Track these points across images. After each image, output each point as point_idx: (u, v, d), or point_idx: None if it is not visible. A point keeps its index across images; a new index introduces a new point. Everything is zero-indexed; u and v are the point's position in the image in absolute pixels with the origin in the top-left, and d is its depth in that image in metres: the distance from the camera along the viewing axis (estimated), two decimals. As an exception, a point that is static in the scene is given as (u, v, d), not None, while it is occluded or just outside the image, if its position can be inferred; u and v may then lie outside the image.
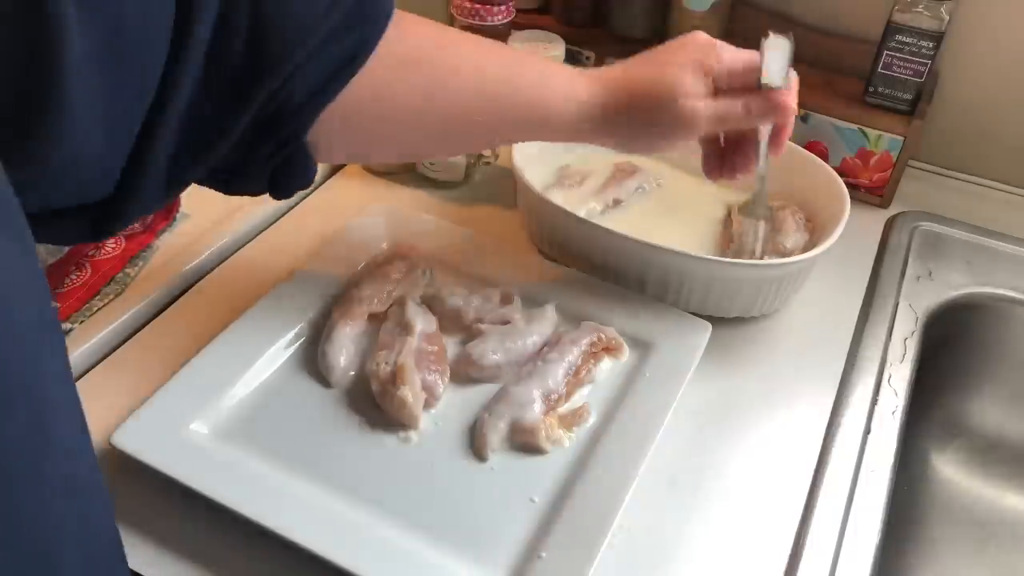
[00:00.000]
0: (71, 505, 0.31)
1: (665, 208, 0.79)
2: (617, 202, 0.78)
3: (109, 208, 0.40)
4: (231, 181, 0.44)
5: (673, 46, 0.57)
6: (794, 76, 0.59)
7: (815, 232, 0.73)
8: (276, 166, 0.44)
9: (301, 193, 0.83)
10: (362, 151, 0.51)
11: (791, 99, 0.58)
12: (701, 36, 0.57)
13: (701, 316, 0.66)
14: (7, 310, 0.26)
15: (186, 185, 0.42)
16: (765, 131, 0.60)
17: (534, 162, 0.75)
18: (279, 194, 0.47)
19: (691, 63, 0.55)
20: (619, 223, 0.68)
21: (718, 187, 0.80)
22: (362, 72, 0.44)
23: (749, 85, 0.57)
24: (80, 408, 0.33)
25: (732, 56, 0.57)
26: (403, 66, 0.47)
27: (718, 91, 0.56)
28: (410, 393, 0.58)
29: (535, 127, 0.55)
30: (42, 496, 0.29)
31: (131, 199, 0.39)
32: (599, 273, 0.70)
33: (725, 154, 0.63)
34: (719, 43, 0.57)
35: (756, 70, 0.57)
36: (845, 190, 0.70)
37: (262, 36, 0.39)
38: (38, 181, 0.34)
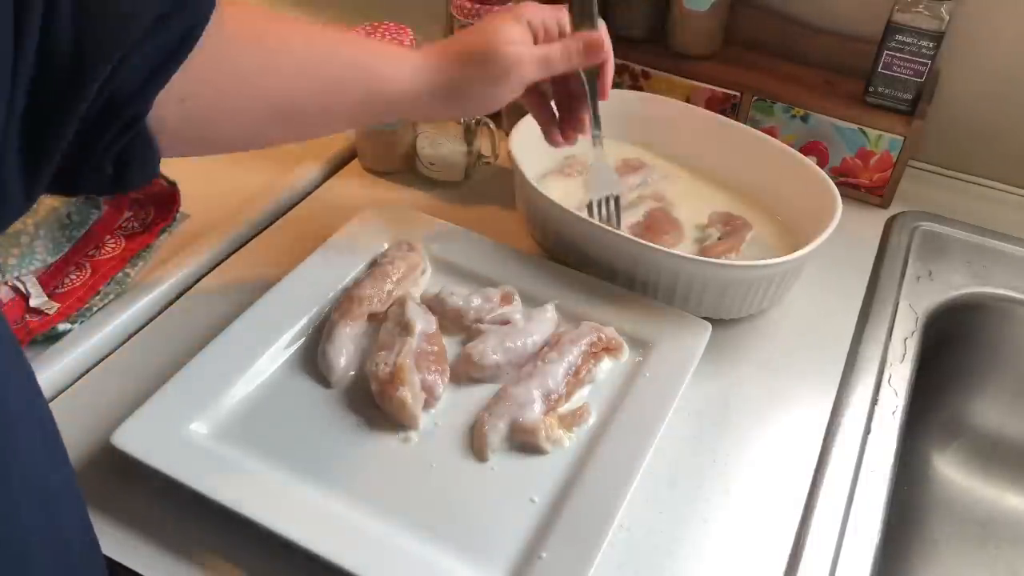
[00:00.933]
0: (41, 514, 0.31)
1: (665, 206, 0.78)
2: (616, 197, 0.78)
3: None
4: (76, 177, 0.43)
5: (494, 13, 0.63)
6: (602, 23, 0.64)
7: (806, 235, 0.73)
8: (118, 156, 0.44)
9: (301, 193, 0.83)
10: (205, 137, 0.50)
11: (604, 39, 0.63)
12: (523, 3, 0.62)
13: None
14: None
15: (40, 187, 0.41)
16: (587, 81, 0.64)
17: (536, 149, 0.75)
18: (124, 186, 0.46)
19: (512, 18, 0.59)
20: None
21: (723, 189, 0.80)
22: (194, 54, 0.43)
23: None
24: (48, 419, 0.33)
25: (544, 11, 0.61)
26: (234, 46, 0.48)
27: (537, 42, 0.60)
28: (410, 394, 0.58)
29: (374, 100, 0.57)
30: (10, 505, 0.29)
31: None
32: (589, 266, 0.70)
33: (560, 119, 0.66)
34: (531, 3, 0.61)
35: (566, 23, 0.62)
36: (836, 191, 0.70)
37: (87, 24, 0.39)
38: None
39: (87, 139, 0.41)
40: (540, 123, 0.67)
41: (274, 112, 0.52)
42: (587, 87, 0.64)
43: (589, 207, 0.71)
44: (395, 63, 0.57)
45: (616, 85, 0.91)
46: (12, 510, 0.29)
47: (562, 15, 0.62)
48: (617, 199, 0.71)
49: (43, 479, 0.31)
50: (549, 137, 0.67)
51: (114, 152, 0.43)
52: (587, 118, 0.66)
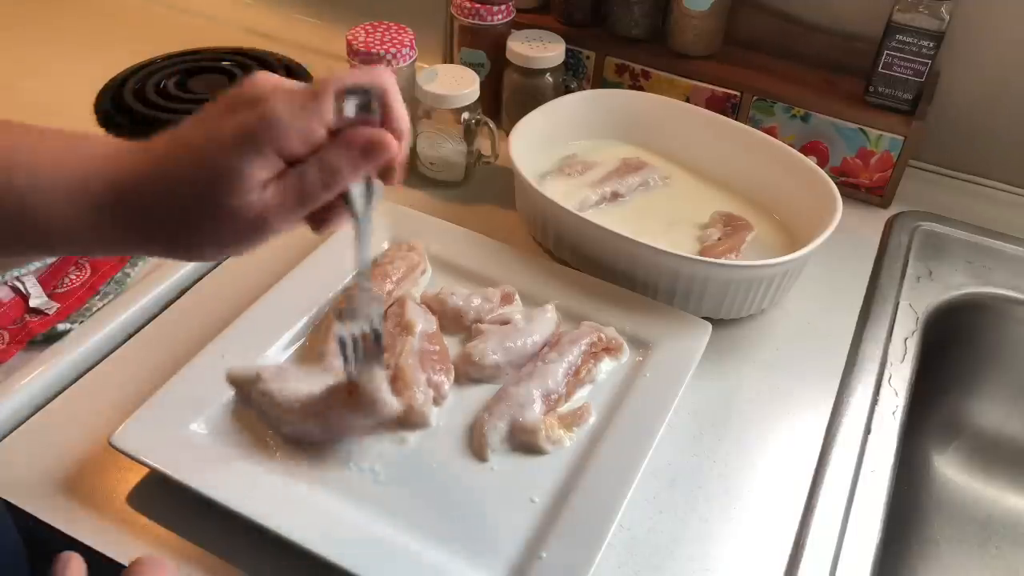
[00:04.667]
0: None
1: (664, 206, 0.78)
2: (616, 195, 0.78)
3: None
4: None
5: (218, 111, 0.40)
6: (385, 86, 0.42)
7: (806, 234, 0.73)
8: None
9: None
10: None
11: (380, 133, 0.41)
12: (262, 82, 0.41)
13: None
14: None
15: None
16: (356, 188, 0.44)
17: (536, 149, 0.75)
18: None
19: (245, 135, 0.39)
20: (612, 217, 0.68)
21: (723, 189, 0.80)
22: None
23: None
24: None
25: (294, 102, 0.39)
26: None
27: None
28: (419, 394, 0.58)
29: (36, 247, 0.41)
30: None
31: None
32: (589, 266, 0.70)
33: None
34: (283, 90, 0.40)
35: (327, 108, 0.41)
36: (836, 191, 0.70)
37: None
38: None
39: None
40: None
41: None
42: (355, 199, 0.44)
43: (340, 342, 0.53)
44: (53, 197, 0.38)
45: (616, 85, 0.91)
46: None
47: (320, 99, 0.40)
48: (378, 334, 0.53)
49: None
50: (310, 223, 0.45)
51: None
52: (346, 213, 0.45)
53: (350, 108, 0.41)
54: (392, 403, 0.55)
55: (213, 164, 0.39)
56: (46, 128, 0.40)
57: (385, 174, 0.44)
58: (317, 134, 0.40)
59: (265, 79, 0.41)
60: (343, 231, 0.50)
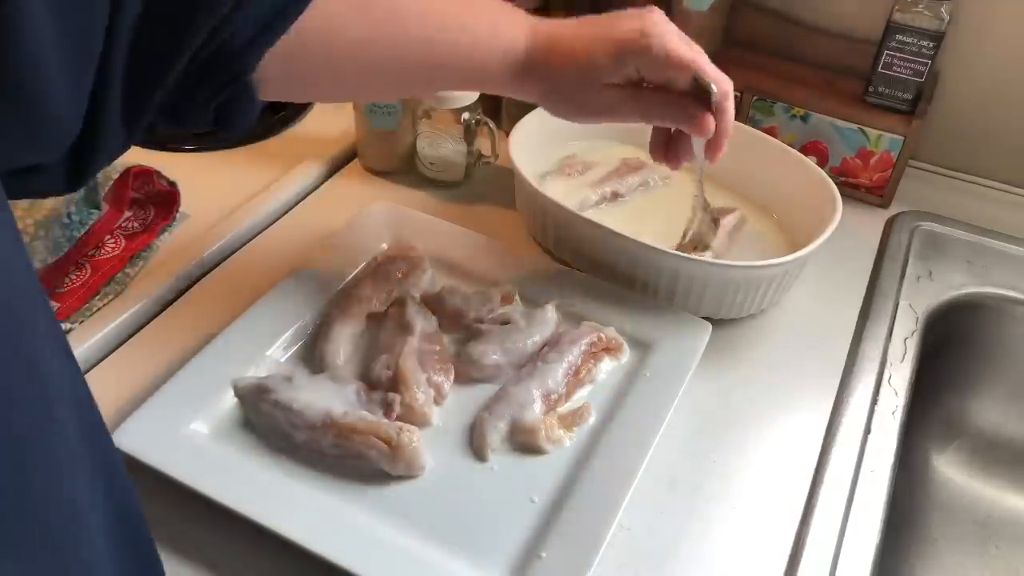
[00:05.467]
0: (86, 483, 0.31)
1: (663, 206, 0.78)
2: (616, 195, 0.78)
3: (77, 158, 0.40)
4: (178, 117, 0.45)
5: (621, 18, 0.55)
6: (727, 90, 0.56)
7: (806, 234, 0.73)
8: (220, 104, 0.45)
9: (301, 193, 0.83)
10: (298, 90, 0.52)
11: (710, 121, 0.56)
12: (655, 16, 0.55)
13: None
14: (7, 283, 0.26)
15: (141, 126, 0.42)
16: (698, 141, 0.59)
17: (536, 149, 0.75)
18: (222, 128, 0.47)
19: (625, 45, 0.53)
20: (612, 217, 0.68)
21: (723, 189, 0.80)
22: (303, 17, 0.44)
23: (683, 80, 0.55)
24: (83, 386, 0.33)
25: (676, 51, 0.54)
26: (341, 13, 0.48)
27: (645, 80, 0.55)
28: (420, 395, 0.58)
29: (471, 83, 0.58)
30: (54, 475, 0.29)
31: (96, 146, 0.40)
32: (589, 266, 0.70)
33: (671, 139, 0.62)
34: (669, 30, 0.54)
35: (690, 70, 0.54)
36: (836, 191, 0.70)
37: None
38: (8, 135, 0.35)
39: (189, 89, 0.42)
40: (652, 133, 0.63)
41: (373, 79, 0.52)
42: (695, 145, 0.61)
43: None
44: (498, 55, 0.54)
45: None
46: (59, 477, 0.29)
47: (693, 61, 0.54)
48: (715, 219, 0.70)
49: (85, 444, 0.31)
50: (652, 150, 0.64)
51: (216, 102, 0.44)
52: (691, 155, 0.62)
53: (695, 86, 0.55)
54: (425, 464, 0.56)
55: (598, 52, 0.54)
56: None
57: (709, 148, 0.59)
58: (672, 81, 0.55)
59: (658, 16, 0.54)
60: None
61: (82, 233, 0.70)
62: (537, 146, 0.78)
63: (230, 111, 0.45)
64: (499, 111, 0.90)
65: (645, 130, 0.83)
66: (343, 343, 0.63)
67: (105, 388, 0.62)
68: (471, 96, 0.80)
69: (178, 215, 0.77)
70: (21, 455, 0.27)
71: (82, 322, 0.66)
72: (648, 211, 0.78)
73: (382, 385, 0.60)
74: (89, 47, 0.36)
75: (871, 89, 0.82)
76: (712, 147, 0.59)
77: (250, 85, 0.45)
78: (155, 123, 0.44)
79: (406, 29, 0.51)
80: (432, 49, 0.52)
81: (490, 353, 0.62)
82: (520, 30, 0.55)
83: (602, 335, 0.64)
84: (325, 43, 0.48)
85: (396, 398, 0.58)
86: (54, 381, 0.29)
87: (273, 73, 0.46)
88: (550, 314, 0.66)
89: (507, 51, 0.55)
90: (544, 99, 0.58)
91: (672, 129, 0.62)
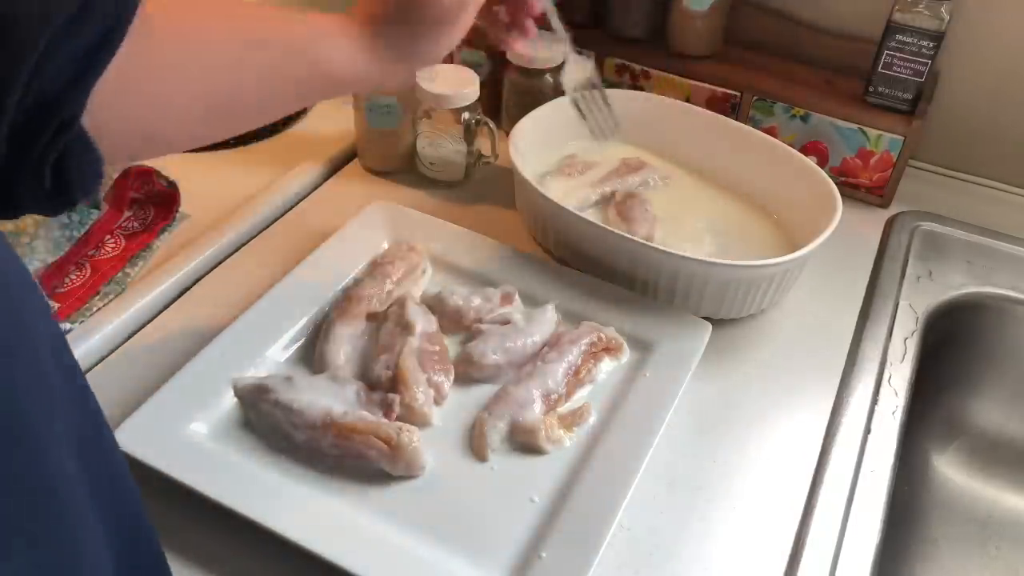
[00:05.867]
0: (86, 465, 0.31)
1: (663, 206, 0.78)
2: (616, 195, 0.78)
3: None
4: (13, 193, 0.41)
5: None
6: None
7: (806, 234, 0.73)
8: (57, 164, 0.41)
9: (301, 193, 0.83)
10: (148, 137, 0.47)
11: None
12: None
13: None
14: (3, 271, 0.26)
15: None
16: None
17: (536, 149, 0.75)
18: (67, 197, 0.43)
19: None
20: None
21: (723, 189, 0.80)
22: (122, 51, 0.41)
23: None
24: (77, 369, 0.33)
25: None
26: (161, 43, 0.45)
27: None
28: (420, 395, 0.58)
29: (314, 83, 0.53)
30: (59, 455, 0.29)
31: None
32: (589, 266, 0.70)
33: (508, 19, 0.63)
34: None
35: None
36: (836, 191, 0.70)
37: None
38: None
39: (20, 148, 0.39)
40: (487, 26, 0.62)
41: (212, 107, 0.49)
42: None
43: (575, 104, 0.70)
44: (331, 41, 0.52)
45: (616, 85, 0.91)
46: (63, 457, 0.29)
47: None
48: (601, 89, 0.70)
49: (88, 427, 0.31)
50: (497, 39, 0.63)
51: (52, 159, 0.40)
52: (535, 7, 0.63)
53: None
54: (425, 464, 0.56)
55: None
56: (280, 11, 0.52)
57: None
58: None
59: None
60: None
61: (82, 233, 0.70)
62: (537, 146, 0.78)
63: (69, 170, 0.42)
64: (499, 111, 0.90)
65: (645, 130, 0.83)
66: (343, 343, 0.63)
67: (105, 388, 0.62)
68: (471, 96, 0.80)
69: (178, 215, 0.77)
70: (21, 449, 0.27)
71: (82, 322, 0.66)
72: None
73: (382, 385, 0.60)
74: None
75: (871, 89, 0.82)
76: None
77: (84, 134, 0.41)
78: None
79: (230, 49, 0.49)
80: (264, 63, 0.50)
81: (490, 353, 0.62)
82: (343, 21, 0.54)
83: (602, 335, 0.64)
84: (149, 74, 0.45)
85: (396, 398, 0.58)
86: (54, 382, 0.29)
87: (108, 119, 0.42)
88: (550, 314, 0.66)
89: (351, 40, 0.52)
90: (402, 61, 0.55)
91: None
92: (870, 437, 0.63)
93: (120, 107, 0.43)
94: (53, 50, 0.39)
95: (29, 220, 0.66)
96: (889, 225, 0.84)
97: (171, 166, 0.77)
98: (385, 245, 0.73)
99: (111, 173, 0.73)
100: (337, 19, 0.53)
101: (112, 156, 0.43)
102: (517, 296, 0.68)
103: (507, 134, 0.76)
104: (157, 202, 0.77)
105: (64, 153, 0.41)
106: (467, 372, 0.63)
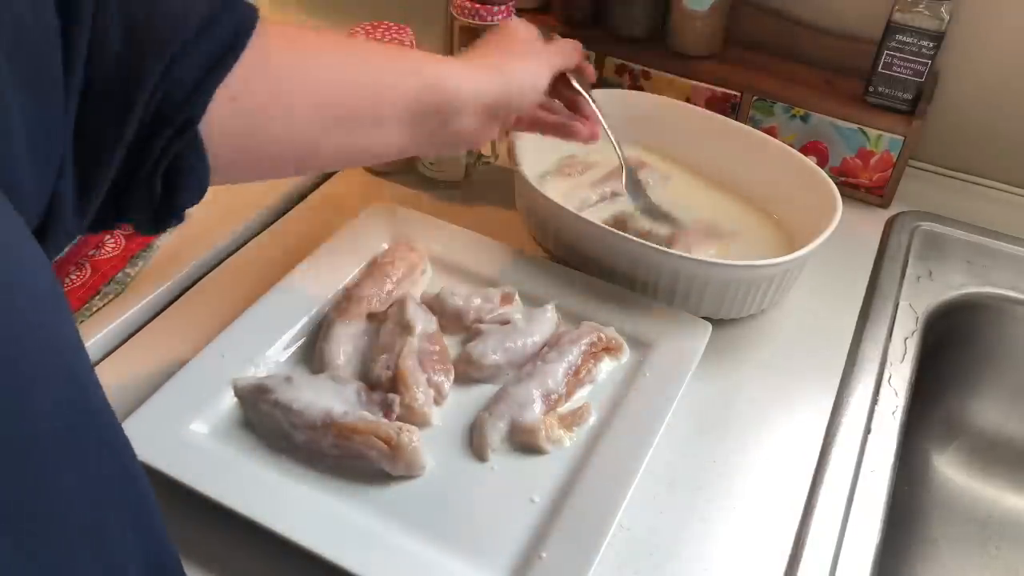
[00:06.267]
0: (113, 470, 0.31)
1: (664, 206, 0.78)
2: (615, 195, 0.78)
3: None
4: (124, 199, 0.42)
5: (514, 40, 0.61)
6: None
7: (806, 234, 0.73)
8: (168, 172, 0.42)
9: (301, 193, 0.83)
10: (259, 147, 0.47)
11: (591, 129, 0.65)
12: (525, 29, 0.62)
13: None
14: (32, 282, 0.26)
15: (93, 205, 0.40)
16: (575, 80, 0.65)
17: (536, 149, 0.75)
18: (173, 205, 0.44)
19: (545, 63, 0.61)
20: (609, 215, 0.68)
21: (723, 189, 0.80)
22: (243, 58, 0.43)
23: None
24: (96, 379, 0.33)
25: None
26: (279, 51, 0.46)
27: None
28: (420, 395, 0.58)
29: (429, 98, 0.53)
30: (86, 465, 0.29)
31: (55, 228, 0.38)
32: (589, 266, 0.70)
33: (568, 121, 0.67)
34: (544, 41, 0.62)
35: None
36: (836, 191, 0.70)
37: (135, 30, 0.38)
38: None
39: (139, 150, 0.40)
40: (556, 131, 0.67)
41: (324, 113, 0.49)
42: (578, 84, 0.66)
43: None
44: (445, 61, 0.55)
45: (616, 85, 0.91)
46: (93, 469, 0.29)
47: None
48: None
49: (112, 433, 0.32)
50: (574, 135, 0.66)
51: (165, 165, 0.41)
52: (585, 105, 0.67)
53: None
54: (425, 464, 0.56)
55: (536, 68, 0.59)
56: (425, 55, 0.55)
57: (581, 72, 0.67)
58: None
59: (527, 29, 0.63)
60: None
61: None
62: (537, 146, 0.78)
63: (179, 176, 0.42)
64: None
65: (645, 130, 0.83)
66: (343, 343, 0.63)
67: (105, 388, 0.62)
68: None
69: (178, 215, 0.77)
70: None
71: (82, 322, 0.66)
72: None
73: (382, 385, 0.60)
74: (53, 135, 0.35)
75: (871, 89, 0.82)
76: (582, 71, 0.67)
77: (198, 140, 0.42)
78: (104, 213, 0.41)
79: (344, 56, 0.51)
80: (380, 67, 0.52)
81: (490, 353, 0.62)
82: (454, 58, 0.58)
83: (602, 335, 0.64)
84: (267, 79, 0.46)
85: (395, 399, 0.58)
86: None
87: (223, 124, 0.43)
88: (550, 314, 0.66)
89: (464, 65, 0.56)
90: (504, 104, 0.57)
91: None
92: (870, 437, 0.63)
93: (234, 112, 0.44)
94: (186, 51, 0.40)
95: (29, 220, 0.66)
96: (889, 225, 0.84)
97: (171, 166, 0.77)
98: (385, 245, 0.73)
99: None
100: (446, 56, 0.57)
101: (223, 168, 0.45)
102: (517, 296, 0.68)
103: (507, 134, 0.76)
104: (157, 202, 0.76)
105: (177, 160, 0.42)
106: (467, 372, 0.63)
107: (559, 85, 0.65)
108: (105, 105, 0.38)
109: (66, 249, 0.69)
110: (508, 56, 0.58)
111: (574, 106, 0.67)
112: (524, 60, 0.59)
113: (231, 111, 0.44)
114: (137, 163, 0.41)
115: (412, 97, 0.52)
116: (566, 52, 0.64)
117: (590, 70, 0.68)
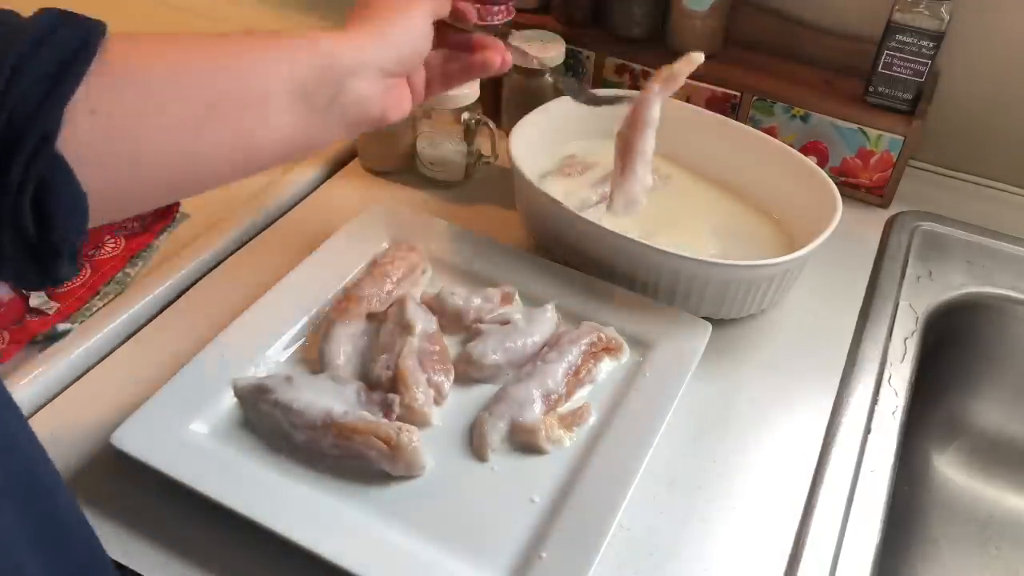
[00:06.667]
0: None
1: (663, 206, 0.78)
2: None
3: None
4: None
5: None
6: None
7: (806, 234, 0.73)
8: (37, 200, 0.38)
9: (301, 192, 0.83)
10: (132, 158, 0.43)
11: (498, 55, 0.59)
12: None
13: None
14: None
15: None
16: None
17: (536, 150, 0.75)
18: (50, 237, 0.40)
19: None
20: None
21: (722, 189, 0.80)
22: (94, 66, 0.40)
23: None
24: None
25: None
26: (135, 58, 0.43)
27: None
28: (420, 395, 0.58)
29: (305, 72, 0.49)
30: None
31: None
32: (589, 266, 0.70)
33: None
34: None
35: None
36: (836, 191, 0.70)
37: None
38: None
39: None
40: (469, 72, 0.61)
41: (195, 103, 0.45)
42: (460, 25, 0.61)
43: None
44: (321, 31, 0.50)
45: (616, 85, 0.91)
46: None
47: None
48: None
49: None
50: (487, 67, 0.60)
51: (30, 192, 0.38)
52: (489, 41, 0.61)
53: None
54: (425, 464, 0.56)
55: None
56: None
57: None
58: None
59: None
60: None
61: (82, 233, 0.70)
62: (537, 146, 0.78)
63: (49, 198, 0.38)
64: (499, 111, 0.90)
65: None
66: (343, 343, 0.63)
67: (105, 388, 0.62)
68: (471, 96, 0.80)
69: (178, 215, 0.77)
70: None
71: (82, 322, 0.66)
72: (648, 211, 0.78)
73: (382, 385, 0.60)
74: None
75: (871, 89, 0.82)
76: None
77: (60, 157, 0.39)
78: None
79: (211, 50, 0.46)
80: (250, 55, 0.47)
81: (490, 353, 0.62)
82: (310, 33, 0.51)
83: (602, 335, 0.64)
84: (127, 84, 0.42)
85: (395, 399, 0.58)
86: None
87: (86, 137, 0.40)
88: (550, 314, 0.66)
89: (314, 37, 0.50)
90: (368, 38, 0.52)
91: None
92: (870, 437, 0.63)
93: (95, 123, 0.40)
94: (21, 70, 0.37)
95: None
96: (889, 225, 0.84)
97: (171, 166, 0.77)
98: (385, 245, 0.73)
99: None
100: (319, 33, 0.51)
101: (95, 198, 0.40)
102: (517, 296, 0.68)
103: (507, 134, 0.76)
104: (157, 202, 0.76)
105: (42, 186, 0.38)
106: (467, 372, 0.63)
107: (446, 33, 0.59)
108: None
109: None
110: (382, 12, 0.52)
111: (473, 46, 0.60)
112: (394, 13, 0.53)
113: (91, 125, 0.40)
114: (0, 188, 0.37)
115: (289, 72, 0.48)
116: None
117: (469, 12, 0.60)
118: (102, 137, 0.41)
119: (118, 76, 0.42)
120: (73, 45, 0.39)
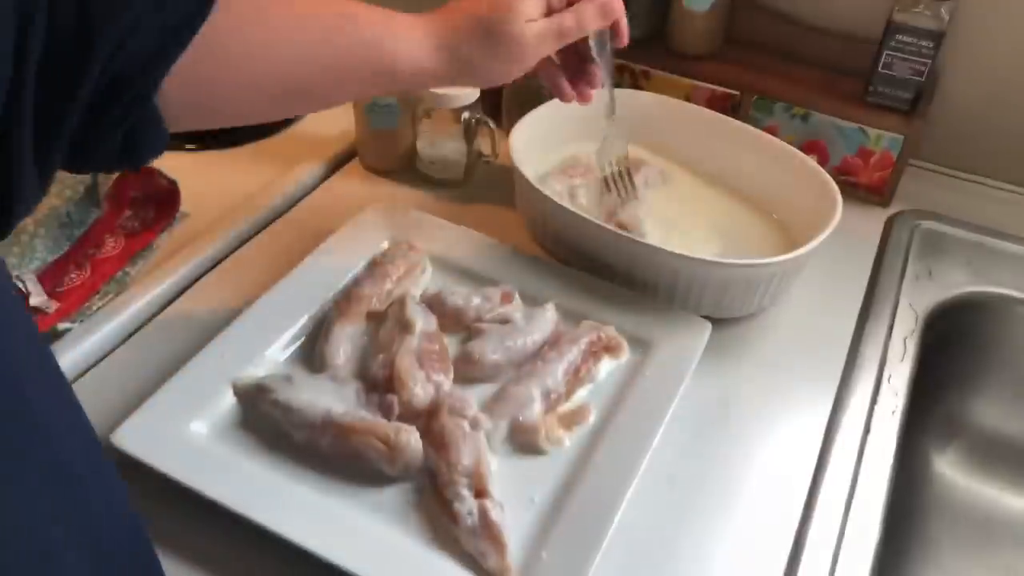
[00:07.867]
0: (67, 494, 0.31)
1: (663, 205, 0.78)
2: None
3: None
4: (87, 152, 0.44)
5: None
6: None
7: (806, 234, 0.73)
8: (127, 132, 0.44)
9: (301, 192, 0.83)
10: (212, 111, 0.50)
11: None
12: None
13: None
14: None
15: (53, 168, 0.42)
16: (596, 45, 0.62)
17: (537, 150, 0.75)
18: (134, 161, 0.46)
19: None
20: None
21: (723, 189, 0.80)
22: (199, 33, 0.44)
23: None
24: (69, 395, 0.32)
25: None
26: (239, 25, 0.48)
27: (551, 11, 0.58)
28: (418, 390, 0.58)
29: (380, 78, 0.56)
30: (29, 486, 0.29)
31: (12, 195, 0.39)
32: (589, 266, 0.70)
33: (570, 78, 0.64)
34: None
35: None
36: (836, 190, 0.70)
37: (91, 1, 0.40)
38: None
39: (95, 119, 0.42)
40: (550, 82, 0.64)
41: (279, 89, 0.52)
42: (595, 46, 0.62)
43: (604, 181, 0.75)
44: (403, 40, 0.55)
45: (616, 85, 0.91)
46: (36, 488, 0.29)
47: None
48: (628, 169, 0.75)
49: (65, 453, 0.31)
50: (561, 93, 0.64)
51: (122, 129, 0.43)
52: (597, 72, 0.64)
53: None
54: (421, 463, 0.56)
55: (497, 4, 0.56)
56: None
57: (615, 32, 0.62)
58: None
59: None
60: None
61: (82, 232, 0.70)
62: (537, 146, 0.78)
63: (137, 140, 0.45)
64: (499, 111, 0.90)
65: (645, 130, 0.83)
66: (343, 343, 0.63)
67: (105, 388, 0.62)
68: (471, 95, 0.80)
69: (178, 215, 0.77)
70: None
71: (82, 322, 0.66)
72: (649, 210, 0.78)
73: (380, 384, 0.60)
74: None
75: (871, 89, 0.82)
76: (618, 31, 0.62)
77: (155, 108, 0.44)
78: (64, 163, 0.43)
79: (306, 35, 0.51)
80: (337, 52, 0.53)
81: (490, 352, 0.62)
82: (418, 20, 0.56)
83: (602, 334, 0.64)
84: (224, 56, 0.47)
85: (395, 399, 0.58)
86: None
87: (177, 94, 0.45)
88: (550, 314, 0.66)
89: (423, 45, 0.55)
90: (465, 75, 0.58)
91: (570, 58, 0.64)
92: (870, 437, 0.63)
93: (192, 85, 0.46)
94: (140, 25, 0.41)
95: (29, 219, 0.66)
96: (889, 224, 0.84)
97: (171, 165, 0.77)
98: (385, 245, 0.73)
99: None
100: (419, 21, 0.56)
101: (177, 124, 0.46)
102: (517, 295, 0.68)
103: (507, 134, 0.76)
104: (157, 201, 0.77)
105: (134, 124, 0.44)
106: (467, 371, 0.63)
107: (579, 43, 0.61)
108: (61, 64, 0.39)
109: (66, 248, 0.69)
110: (478, 41, 0.56)
111: (577, 59, 0.64)
112: (494, 52, 0.56)
113: (185, 88, 0.45)
114: (94, 127, 0.42)
115: (363, 78, 0.55)
116: (584, 19, 0.59)
117: (619, 32, 0.62)
118: (189, 95, 0.46)
119: (214, 51, 0.46)
120: (180, 18, 0.43)
